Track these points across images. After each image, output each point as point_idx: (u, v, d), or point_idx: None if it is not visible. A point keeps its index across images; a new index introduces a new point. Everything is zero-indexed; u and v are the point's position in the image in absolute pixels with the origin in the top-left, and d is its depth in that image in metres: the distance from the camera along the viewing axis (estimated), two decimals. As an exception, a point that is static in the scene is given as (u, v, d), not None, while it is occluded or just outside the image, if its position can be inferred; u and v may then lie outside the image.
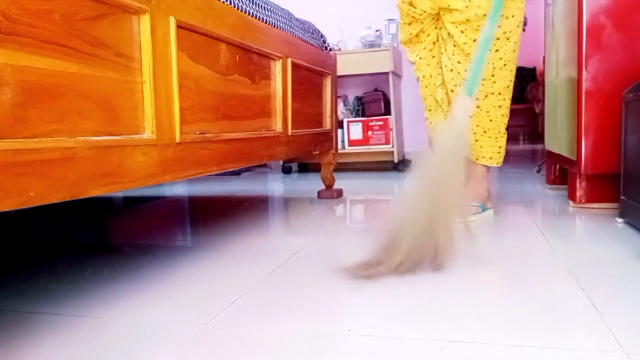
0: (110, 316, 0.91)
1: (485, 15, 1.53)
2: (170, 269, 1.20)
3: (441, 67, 1.72)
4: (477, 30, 1.57)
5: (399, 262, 1.09)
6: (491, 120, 1.68)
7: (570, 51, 1.84)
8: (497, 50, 1.61)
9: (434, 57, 1.75)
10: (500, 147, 1.71)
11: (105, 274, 1.18)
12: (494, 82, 1.64)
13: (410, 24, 1.75)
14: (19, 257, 1.40)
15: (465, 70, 1.62)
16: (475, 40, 1.59)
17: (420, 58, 1.78)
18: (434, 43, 1.74)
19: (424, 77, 1.79)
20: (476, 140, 1.70)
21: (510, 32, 1.60)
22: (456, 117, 1.32)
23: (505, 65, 1.63)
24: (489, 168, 1.74)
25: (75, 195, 0.81)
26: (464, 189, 1.25)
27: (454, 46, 1.64)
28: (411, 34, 1.76)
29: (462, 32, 1.61)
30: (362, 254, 1.14)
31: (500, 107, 1.67)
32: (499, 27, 1.52)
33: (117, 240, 1.67)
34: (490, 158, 1.72)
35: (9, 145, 0.70)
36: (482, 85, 1.63)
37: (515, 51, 1.64)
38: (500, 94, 1.66)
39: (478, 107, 1.66)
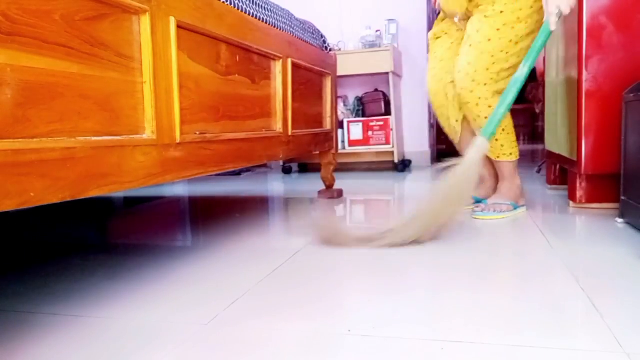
0: (110, 316, 0.91)
1: (518, 18, 1.60)
2: (170, 269, 1.20)
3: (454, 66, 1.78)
4: (496, 27, 1.62)
5: (407, 237, 1.32)
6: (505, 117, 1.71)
7: (570, 51, 1.84)
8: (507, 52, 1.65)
9: (451, 57, 1.82)
10: (513, 141, 1.78)
11: (105, 274, 1.18)
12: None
13: (443, 20, 1.86)
14: (19, 257, 1.40)
15: (476, 71, 1.66)
16: (489, 40, 1.63)
17: (437, 54, 1.86)
18: (452, 43, 1.83)
19: (435, 73, 1.86)
20: (496, 140, 1.75)
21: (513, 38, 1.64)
22: (469, 157, 1.44)
23: (509, 68, 1.66)
24: (514, 164, 1.78)
25: (75, 195, 0.81)
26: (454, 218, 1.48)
27: (469, 46, 1.68)
28: (441, 30, 1.87)
29: (477, 30, 1.66)
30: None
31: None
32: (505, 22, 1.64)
33: (117, 240, 1.67)
34: (511, 153, 1.78)
35: (9, 145, 0.70)
36: (502, 81, 1.67)
37: (520, 56, 1.65)
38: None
39: None
